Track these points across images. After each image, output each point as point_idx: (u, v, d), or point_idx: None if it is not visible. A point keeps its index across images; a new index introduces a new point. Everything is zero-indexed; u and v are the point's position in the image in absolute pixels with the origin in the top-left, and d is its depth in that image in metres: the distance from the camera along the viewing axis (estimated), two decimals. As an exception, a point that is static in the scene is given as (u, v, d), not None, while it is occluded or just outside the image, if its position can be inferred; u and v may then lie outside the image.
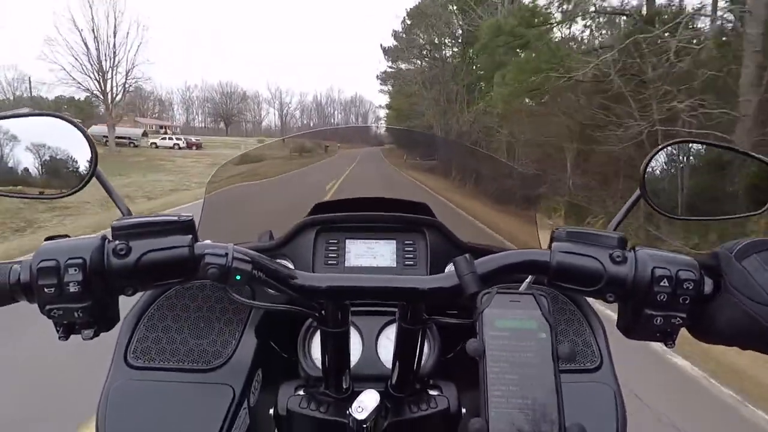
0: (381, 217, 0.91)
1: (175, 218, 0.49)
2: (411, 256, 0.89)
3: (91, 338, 0.49)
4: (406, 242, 0.90)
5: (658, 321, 0.48)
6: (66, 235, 0.49)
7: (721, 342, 0.47)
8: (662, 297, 0.47)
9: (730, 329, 0.45)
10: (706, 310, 0.47)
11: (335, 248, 0.89)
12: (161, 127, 59.35)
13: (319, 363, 0.70)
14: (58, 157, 0.58)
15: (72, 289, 0.45)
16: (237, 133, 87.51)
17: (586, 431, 0.39)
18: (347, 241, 0.90)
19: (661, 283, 0.47)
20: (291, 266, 0.88)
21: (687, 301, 0.47)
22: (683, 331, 0.50)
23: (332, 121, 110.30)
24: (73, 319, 0.47)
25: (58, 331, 0.48)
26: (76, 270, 0.45)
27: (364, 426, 0.59)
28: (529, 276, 0.54)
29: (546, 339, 0.42)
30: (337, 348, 0.62)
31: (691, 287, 0.47)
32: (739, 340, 0.46)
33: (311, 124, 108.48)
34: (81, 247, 0.46)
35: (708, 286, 0.48)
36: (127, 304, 0.71)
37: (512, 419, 0.39)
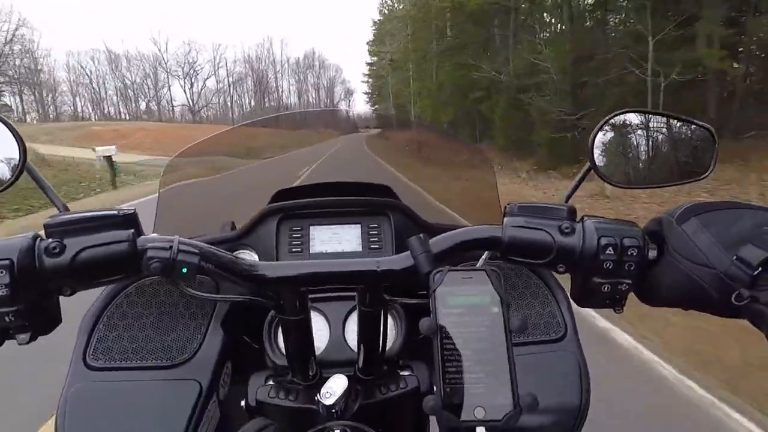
0: (343, 201, 0.90)
1: (115, 212, 0.47)
2: (376, 239, 0.89)
3: (27, 343, 0.46)
4: (371, 225, 0.90)
5: (606, 288, 0.49)
6: None
7: (666, 304, 0.49)
8: (608, 265, 0.48)
9: (672, 291, 0.47)
10: (650, 275, 0.49)
11: (299, 235, 0.88)
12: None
13: (284, 352, 0.70)
14: None
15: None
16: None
17: (537, 401, 0.39)
18: (311, 227, 0.89)
19: (607, 252, 0.48)
20: (255, 256, 0.87)
21: (632, 268, 0.48)
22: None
23: (282, 99, 72.46)
24: (5, 324, 0.44)
25: None
26: (2, 272, 0.42)
27: (333, 411, 0.59)
28: (486, 252, 0.54)
29: (498, 313, 0.42)
30: (299, 336, 0.62)
31: (635, 253, 0.48)
32: (681, 301, 0.47)
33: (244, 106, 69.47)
34: (7, 247, 0.44)
35: (652, 251, 0.49)
36: (83, 304, 0.69)
37: (467, 393, 0.39)
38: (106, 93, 60.30)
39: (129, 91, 60.23)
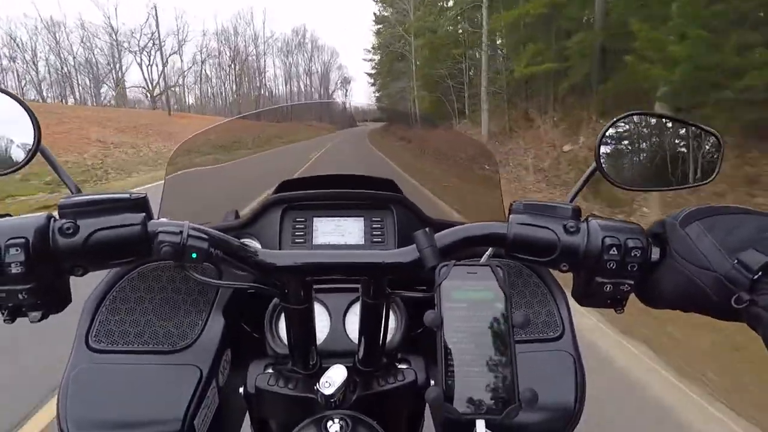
0: (347, 194, 0.91)
1: (127, 195, 0.48)
2: (379, 232, 0.89)
3: (39, 320, 0.47)
4: (374, 219, 0.90)
5: (608, 288, 0.50)
6: (8, 214, 0.47)
7: (667, 306, 0.49)
8: (612, 265, 0.49)
9: (674, 294, 0.48)
10: (652, 276, 0.49)
11: (302, 226, 0.89)
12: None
13: (286, 341, 0.70)
14: None
15: (14, 270, 0.43)
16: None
17: (537, 396, 0.40)
18: (315, 218, 0.90)
19: (611, 252, 0.48)
20: (258, 245, 0.87)
21: (635, 269, 0.49)
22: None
23: (264, 84, 58.44)
24: (18, 302, 0.45)
25: (2, 314, 0.46)
26: (17, 250, 0.43)
27: (332, 400, 0.60)
28: (489, 248, 0.55)
29: (501, 308, 0.43)
30: (301, 325, 0.62)
31: (638, 255, 0.48)
32: (682, 303, 0.48)
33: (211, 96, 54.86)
34: (23, 226, 0.44)
35: (655, 253, 0.49)
36: (87, 288, 0.69)
37: (468, 386, 0.40)
38: (48, 71, 41.85)
39: (67, 68, 42.45)
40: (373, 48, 40.07)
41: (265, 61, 59.40)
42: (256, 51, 58.09)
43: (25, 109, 0.54)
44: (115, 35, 43.33)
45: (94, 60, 44.55)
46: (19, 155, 0.55)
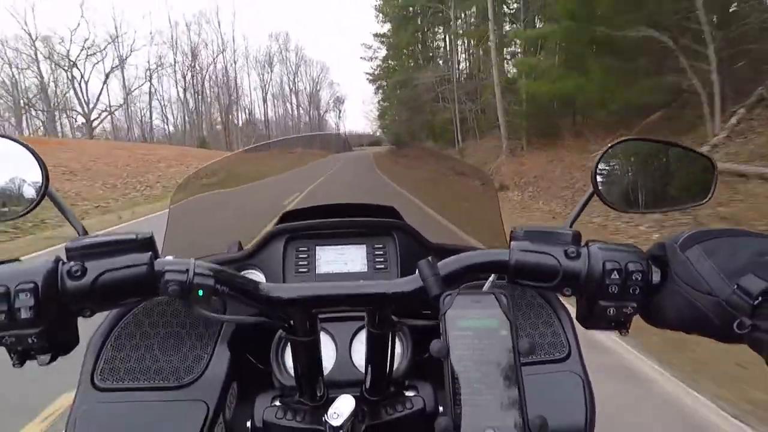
0: (349, 222, 0.92)
1: (133, 236, 0.49)
2: (381, 259, 0.90)
3: (48, 363, 0.47)
4: (376, 246, 0.91)
5: (611, 311, 0.50)
6: (17, 259, 0.48)
7: (669, 327, 0.50)
8: (614, 288, 0.49)
9: (676, 316, 0.48)
10: (654, 299, 0.50)
11: (305, 256, 0.89)
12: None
13: (292, 372, 0.70)
14: (7, 177, 0.56)
15: (24, 314, 0.43)
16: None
17: (547, 423, 0.40)
18: (317, 248, 0.90)
19: (612, 276, 0.49)
20: (261, 276, 0.88)
21: (637, 291, 0.49)
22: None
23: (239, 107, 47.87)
24: (27, 346, 0.45)
25: (12, 358, 0.46)
26: (27, 295, 0.44)
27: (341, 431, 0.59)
28: (492, 275, 0.56)
29: (507, 336, 0.43)
30: (308, 356, 0.62)
31: (639, 278, 0.49)
32: (685, 326, 0.48)
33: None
34: (32, 270, 0.45)
35: (656, 275, 0.50)
36: (92, 325, 0.69)
37: (477, 415, 0.40)
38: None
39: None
40: (376, 37, 32.49)
41: (236, 74, 48.40)
42: (225, 60, 46.03)
43: (31, 153, 0.55)
44: (33, 43, 34.19)
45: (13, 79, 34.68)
46: (26, 199, 0.56)
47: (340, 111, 63.31)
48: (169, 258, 0.50)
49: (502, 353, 0.42)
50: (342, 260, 0.90)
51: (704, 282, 0.45)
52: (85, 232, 0.53)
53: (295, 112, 56.28)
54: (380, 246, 0.91)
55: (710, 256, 0.46)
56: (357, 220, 0.92)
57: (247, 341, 0.79)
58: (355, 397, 0.62)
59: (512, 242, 0.53)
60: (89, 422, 0.65)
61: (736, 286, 0.42)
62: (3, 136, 0.55)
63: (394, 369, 0.69)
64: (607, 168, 0.61)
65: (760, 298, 0.41)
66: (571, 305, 0.78)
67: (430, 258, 0.52)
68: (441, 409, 0.71)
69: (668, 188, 0.62)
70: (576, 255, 0.51)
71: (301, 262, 0.88)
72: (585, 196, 0.61)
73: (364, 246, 0.91)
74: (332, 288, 0.54)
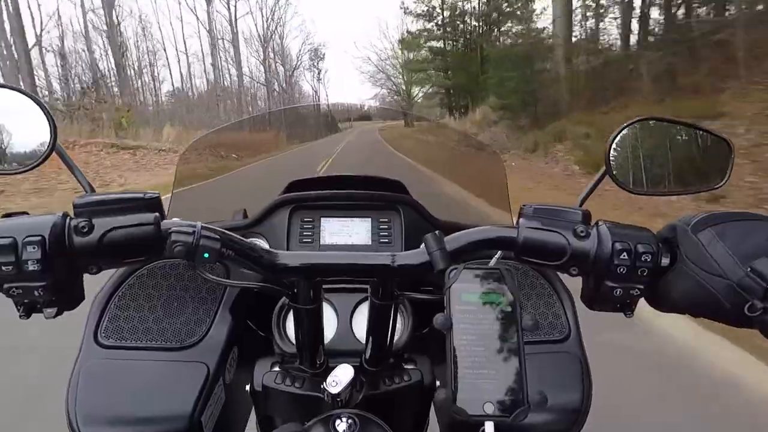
0: (355, 195, 0.91)
1: (140, 195, 0.48)
2: (386, 233, 0.90)
3: (54, 317, 0.48)
4: (381, 220, 0.90)
5: (618, 293, 0.50)
6: (25, 212, 0.48)
7: (676, 310, 0.50)
8: (622, 270, 0.49)
9: (684, 299, 0.48)
10: (662, 281, 0.49)
11: (310, 226, 0.89)
12: None
13: (293, 340, 0.71)
14: (14, 131, 0.56)
15: (31, 267, 0.44)
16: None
17: (547, 399, 0.41)
18: (322, 219, 0.90)
19: (621, 257, 0.48)
20: (265, 244, 0.88)
21: (645, 273, 0.49)
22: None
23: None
24: (34, 298, 0.46)
25: (18, 310, 0.47)
26: (34, 248, 0.44)
27: (338, 399, 0.60)
28: (498, 251, 0.55)
29: (511, 311, 0.43)
30: (310, 324, 0.63)
31: (648, 260, 0.48)
32: (692, 308, 0.48)
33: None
34: (40, 224, 0.45)
35: (665, 258, 0.49)
36: (96, 285, 0.70)
37: (477, 388, 0.40)
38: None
39: None
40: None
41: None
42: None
43: (41, 108, 0.55)
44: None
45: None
46: (34, 154, 0.55)
47: (319, 71, 45.54)
48: (176, 219, 0.50)
49: (506, 328, 0.42)
50: (346, 232, 0.90)
51: (716, 264, 0.44)
52: (92, 189, 0.53)
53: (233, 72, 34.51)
54: (385, 220, 0.90)
55: (723, 238, 0.45)
56: (363, 193, 0.91)
57: (248, 308, 0.80)
58: (354, 366, 0.62)
59: (521, 219, 0.53)
60: (92, 378, 0.67)
61: (749, 269, 0.42)
62: (12, 88, 0.55)
63: (394, 342, 0.70)
64: (620, 148, 0.60)
65: None
66: (574, 288, 0.78)
67: (437, 232, 0.52)
68: (438, 383, 0.72)
69: (683, 171, 0.61)
70: (585, 234, 0.50)
71: (305, 233, 0.88)
72: (597, 175, 0.60)
73: (370, 219, 0.90)
74: (338, 257, 0.54)
